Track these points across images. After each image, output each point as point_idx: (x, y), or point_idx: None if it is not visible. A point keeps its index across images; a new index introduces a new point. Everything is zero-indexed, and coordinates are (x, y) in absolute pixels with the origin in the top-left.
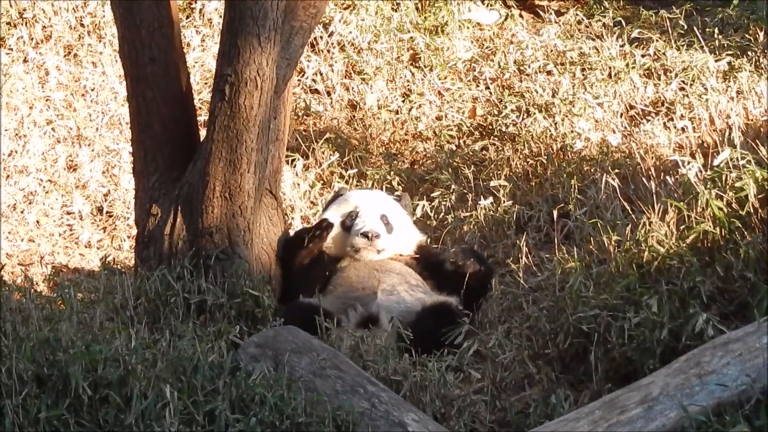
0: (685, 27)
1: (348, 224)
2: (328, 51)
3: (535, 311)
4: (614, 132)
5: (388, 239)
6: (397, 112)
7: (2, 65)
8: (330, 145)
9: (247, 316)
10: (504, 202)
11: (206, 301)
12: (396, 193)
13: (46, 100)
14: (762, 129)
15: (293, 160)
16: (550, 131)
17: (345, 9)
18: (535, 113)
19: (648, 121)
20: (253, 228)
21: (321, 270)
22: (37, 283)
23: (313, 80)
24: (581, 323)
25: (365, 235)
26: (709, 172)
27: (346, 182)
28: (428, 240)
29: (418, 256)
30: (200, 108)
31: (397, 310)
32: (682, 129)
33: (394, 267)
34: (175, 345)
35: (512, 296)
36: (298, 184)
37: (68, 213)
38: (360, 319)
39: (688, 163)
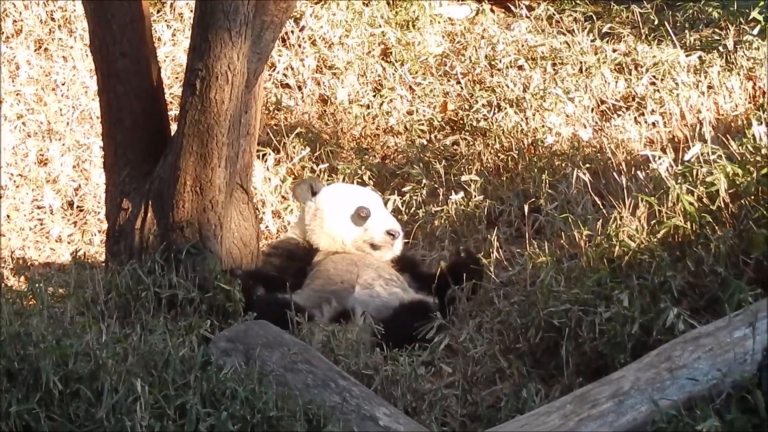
0: (656, 22)
1: (360, 220)
2: (299, 45)
3: (506, 306)
4: (585, 127)
5: (400, 240)
6: (368, 107)
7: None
8: (301, 140)
9: (218, 311)
10: (475, 196)
11: (177, 295)
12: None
13: (17, 94)
14: (732, 124)
15: (264, 155)
16: (521, 126)
17: (316, 3)
18: (506, 108)
19: (619, 116)
20: (224, 222)
21: (297, 264)
22: (7, 278)
23: (284, 75)
24: (552, 318)
25: (391, 233)
26: (679, 167)
27: (318, 175)
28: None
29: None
30: (171, 102)
31: (374, 305)
32: (653, 124)
33: (371, 262)
34: (146, 339)
35: (483, 291)
36: (269, 179)
37: (39, 207)
38: (334, 314)
39: (659, 157)
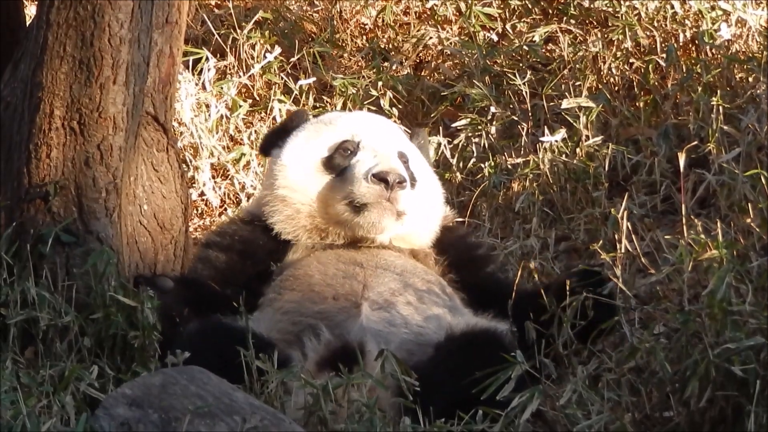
0: None
1: (340, 162)
2: None
3: (646, 340)
4: None
5: (412, 197)
6: None
7: None
8: (265, 33)
9: (113, 347)
10: (587, 137)
11: (37, 320)
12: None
13: None
14: None
15: (198, 61)
16: (670, 7)
17: None
18: None
19: None
20: (123, 186)
21: (256, 263)
22: None
23: None
24: (731, 362)
25: (381, 178)
26: None
27: (296, 101)
28: (455, 217)
29: (441, 244)
30: None
31: (398, 338)
32: None
33: (394, 262)
34: None
35: (604, 311)
36: (207, 106)
37: None
38: (327, 353)
39: None
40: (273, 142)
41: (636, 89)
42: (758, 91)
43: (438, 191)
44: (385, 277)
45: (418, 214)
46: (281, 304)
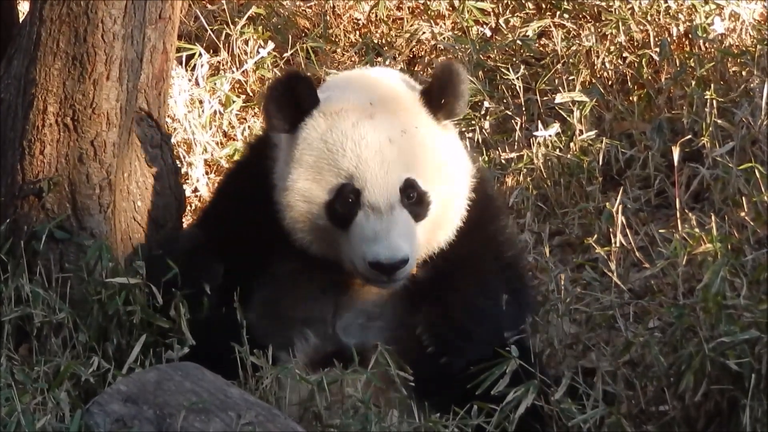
0: None
1: (342, 212)
2: None
3: (640, 335)
4: None
5: (415, 247)
6: None
7: None
8: (259, 28)
9: (106, 344)
10: (580, 131)
11: (32, 317)
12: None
13: None
14: None
15: (191, 57)
16: (663, 2)
17: None
18: None
19: None
20: (117, 183)
21: (251, 264)
22: None
23: None
24: (726, 356)
25: (382, 268)
26: None
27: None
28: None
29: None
30: None
31: (386, 331)
32: None
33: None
34: None
35: (599, 305)
36: (200, 101)
37: None
38: (318, 352)
39: None
40: (287, 115)
41: (630, 83)
42: (752, 85)
43: (460, 187)
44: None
45: (428, 242)
46: (274, 304)
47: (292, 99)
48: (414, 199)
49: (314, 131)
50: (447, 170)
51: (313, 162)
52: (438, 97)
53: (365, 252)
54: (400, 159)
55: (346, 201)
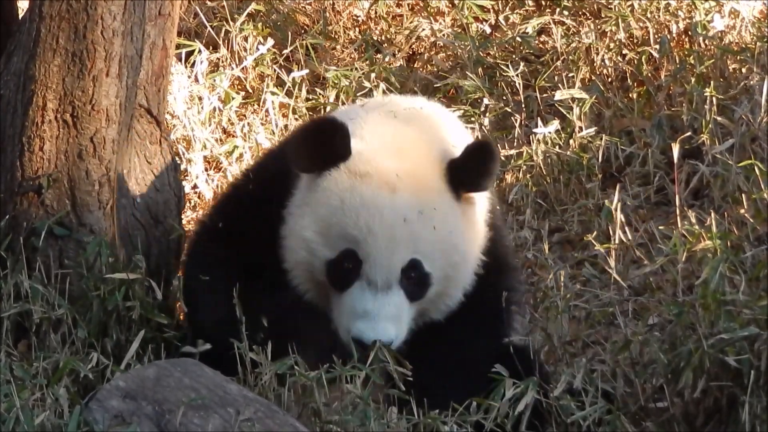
0: None
1: (341, 277)
2: None
3: (639, 331)
4: None
5: (404, 327)
6: None
7: None
8: (258, 25)
9: (105, 340)
10: (580, 128)
11: (31, 313)
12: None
13: None
14: None
15: (191, 53)
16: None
17: None
18: None
19: None
20: (116, 178)
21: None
22: None
23: None
24: (725, 352)
25: (363, 346)
26: None
27: (289, 93)
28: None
29: None
30: None
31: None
32: None
33: None
34: None
35: (598, 302)
36: (200, 98)
37: None
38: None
39: None
40: (315, 161)
41: (629, 80)
42: (751, 82)
43: (467, 266)
44: None
45: (423, 317)
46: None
47: (325, 146)
48: (414, 280)
49: (336, 186)
50: (456, 251)
51: (326, 216)
52: (465, 174)
53: (350, 325)
54: (410, 239)
55: (346, 267)
